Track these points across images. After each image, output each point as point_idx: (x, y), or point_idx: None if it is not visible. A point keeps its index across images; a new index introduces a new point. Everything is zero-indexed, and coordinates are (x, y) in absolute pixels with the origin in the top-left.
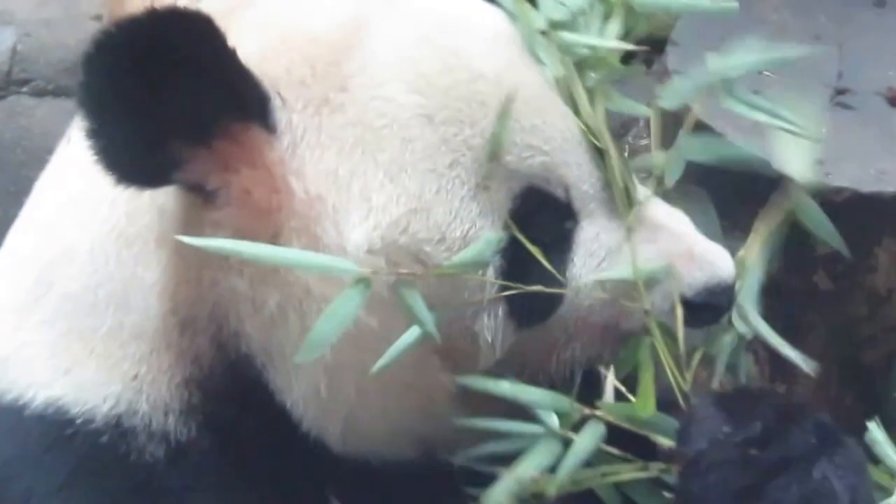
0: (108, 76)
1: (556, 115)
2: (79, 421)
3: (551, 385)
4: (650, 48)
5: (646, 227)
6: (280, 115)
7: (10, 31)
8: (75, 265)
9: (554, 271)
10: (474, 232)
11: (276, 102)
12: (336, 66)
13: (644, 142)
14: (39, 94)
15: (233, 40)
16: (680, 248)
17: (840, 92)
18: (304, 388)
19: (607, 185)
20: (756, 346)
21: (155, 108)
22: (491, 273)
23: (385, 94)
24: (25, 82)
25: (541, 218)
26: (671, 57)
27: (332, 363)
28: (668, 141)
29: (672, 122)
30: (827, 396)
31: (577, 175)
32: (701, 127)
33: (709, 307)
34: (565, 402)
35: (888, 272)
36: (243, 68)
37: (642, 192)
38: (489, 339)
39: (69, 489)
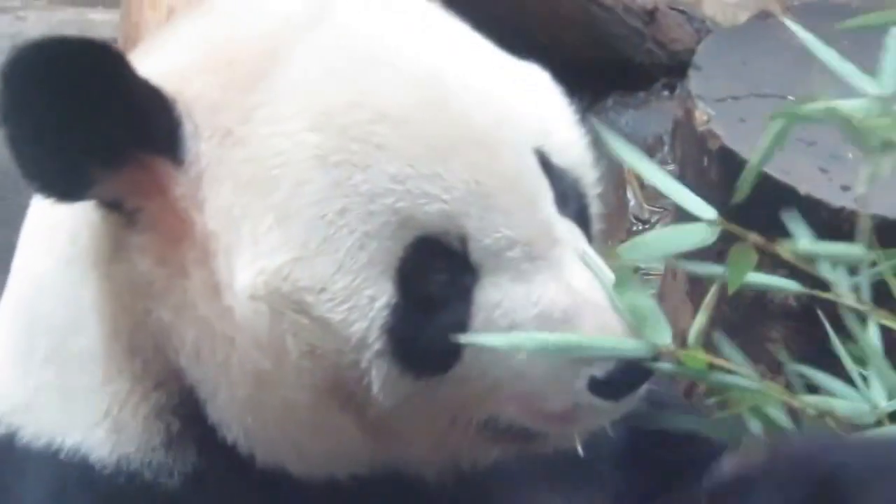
0: (24, 89)
1: (465, 164)
2: (97, 467)
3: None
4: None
5: (556, 295)
6: (190, 145)
7: None
8: (46, 296)
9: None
10: (359, 282)
11: (186, 130)
12: (244, 95)
13: (669, 167)
14: None
15: (160, 58)
16: (591, 322)
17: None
18: (237, 426)
19: (517, 242)
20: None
21: (66, 129)
22: (376, 328)
23: (283, 131)
24: None
25: (434, 270)
26: (694, 82)
27: (250, 400)
28: (689, 164)
29: (696, 148)
30: None
31: (479, 227)
32: (725, 150)
33: (619, 383)
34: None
35: None
36: (154, 98)
37: (567, 252)
38: (378, 389)
39: None
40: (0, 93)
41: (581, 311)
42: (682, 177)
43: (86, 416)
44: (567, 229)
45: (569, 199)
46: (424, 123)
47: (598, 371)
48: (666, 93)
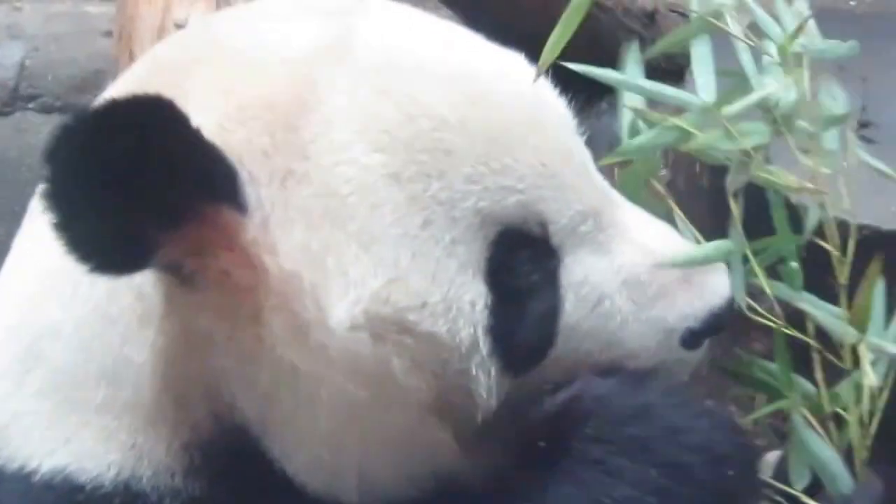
0: (72, 167)
1: (528, 150)
2: (88, 488)
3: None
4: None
5: (635, 258)
6: (249, 191)
7: (18, 46)
8: (62, 341)
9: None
10: (455, 290)
11: (243, 177)
12: (294, 133)
13: (661, 172)
14: (47, 110)
15: (192, 112)
16: (674, 275)
17: (863, 125)
18: (305, 458)
19: (586, 214)
20: None
21: (122, 198)
22: (480, 331)
23: (347, 158)
24: (33, 98)
25: (520, 261)
26: (690, 85)
27: (331, 434)
28: (681, 170)
29: (689, 154)
30: None
31: (555, 208)
32: None
33: (712, 329)
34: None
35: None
36: (208, 147)
37: (630, 211)
38: (484, 395)
39: None
40: (46, 174)
41: (662, 267)
42: (673, 181)
43: (93, 446)
44: (614, 191)
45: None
46: (481, 121)
47: (694, 323)
48: None
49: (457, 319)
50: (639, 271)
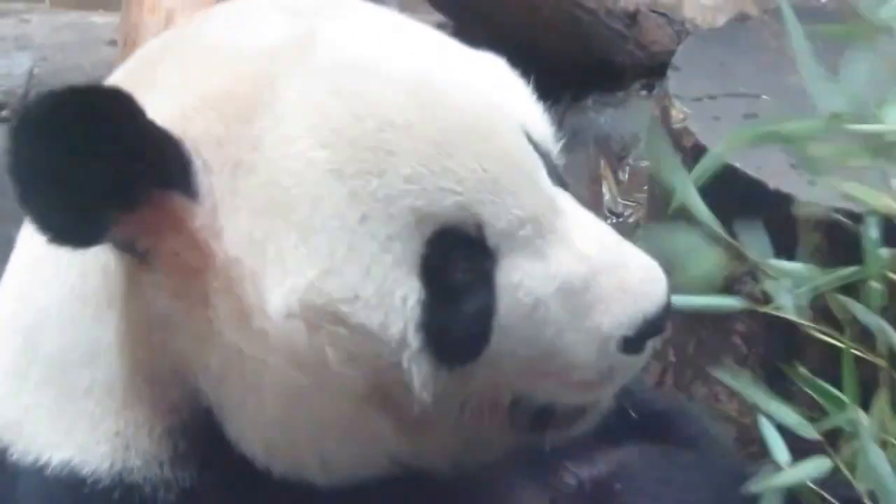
0: (34, 146)
1: (470, 155)
2: (90, 481)
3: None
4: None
5: (571, 266)
6: (201, 179)
7: (27, 56)
8: (50, 327)
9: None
10: (388, 285)
11: (197, 166)
12: (248, 125)
13: (644, 163)
14: None
15: (157, 97)
16: (610, 283)
17: (836, 116)
18: (260, 440)
19: (526, 221)
20: (751, 361)
21: (78, 177)
22: (412, 326)
23: (294, 152)
24: None
25: (455, 260)
26: (672, 82)
27: (279, 417)
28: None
29: (671, 145)
30: None
31: (492, 212)
32: (698, 147)
33: (646, 335)
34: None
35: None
36: (165, 138)
37: (572, 218)
38: (419, 386)
39: None
40: (11, 151)
41: (598, 275)
42: (656, 172)
43: (86, 436)
44: (563, 199)
45: (551, 170)
46: (426, 124)
47: (628, 330)
48: (644, 92)
49: (389, 313)
50: (574, 279)
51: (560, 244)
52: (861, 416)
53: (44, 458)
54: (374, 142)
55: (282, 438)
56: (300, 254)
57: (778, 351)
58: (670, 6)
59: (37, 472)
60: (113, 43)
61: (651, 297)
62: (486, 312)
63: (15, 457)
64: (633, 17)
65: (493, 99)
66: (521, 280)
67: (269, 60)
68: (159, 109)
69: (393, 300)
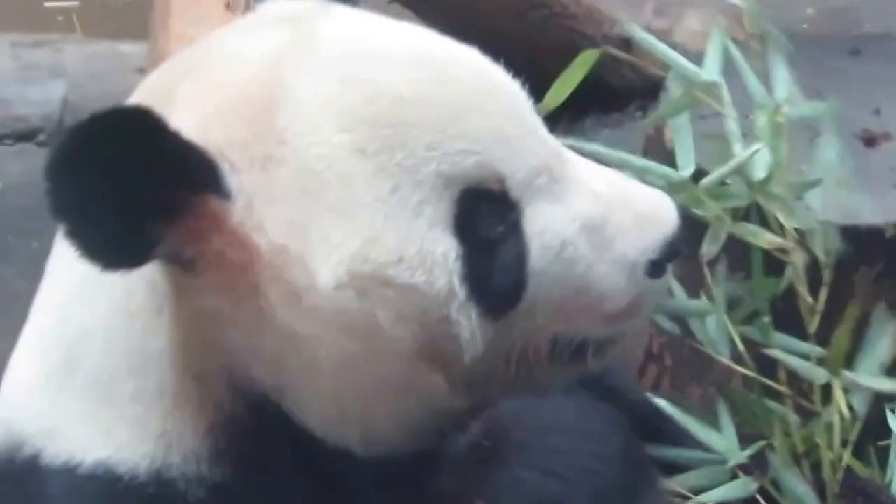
0: (71, 181)
1: (481, 116)
2: (126, 478)
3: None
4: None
5: (588, 205)
6: (231, 180)
7: (61, 84)
8: (94, 343)
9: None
10: (427, 245)
11: (224, 168)
12: (270, 122)
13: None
14: None
15: (177, 113)
16: (626, 215)
17: (819, 133)
18: (318, 414)
19: (540, 170)
20: (744, 364)
21: (119, 201)
22: (455, 280)
23: (318, 139)
24: None
25: (484, 215)
26: (665, 102)
27: (334, 390)
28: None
29: (665, 161)
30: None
31: (511, 166)
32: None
33: (670, 255)
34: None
35: (863, 298)
36: (190, 146)
37: (579, 164)
38: (468, 337)
39: None
40: (51, 190)
41: (614, 210)
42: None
43: (128, 438)
44: (565, 149)
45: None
46: (436, 94)
47: (653, 254)
48: (639, 114)
49: (432, 270)
50: (593, 216)
51: (574, 187)
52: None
53: (76, 459)
54: (390, 118)
55: (335, 411)
56: (341, 229)
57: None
58: (662, 32)
59: (68, 471)
60: (142, 71)
61: (666, 220)
62: (520, 259)
63: (46, 460)
64: (627, 43)
65: (489, 67)
66: (546, 225)
67: (275, 62)
68: (179, 123)
69: (435, 257)
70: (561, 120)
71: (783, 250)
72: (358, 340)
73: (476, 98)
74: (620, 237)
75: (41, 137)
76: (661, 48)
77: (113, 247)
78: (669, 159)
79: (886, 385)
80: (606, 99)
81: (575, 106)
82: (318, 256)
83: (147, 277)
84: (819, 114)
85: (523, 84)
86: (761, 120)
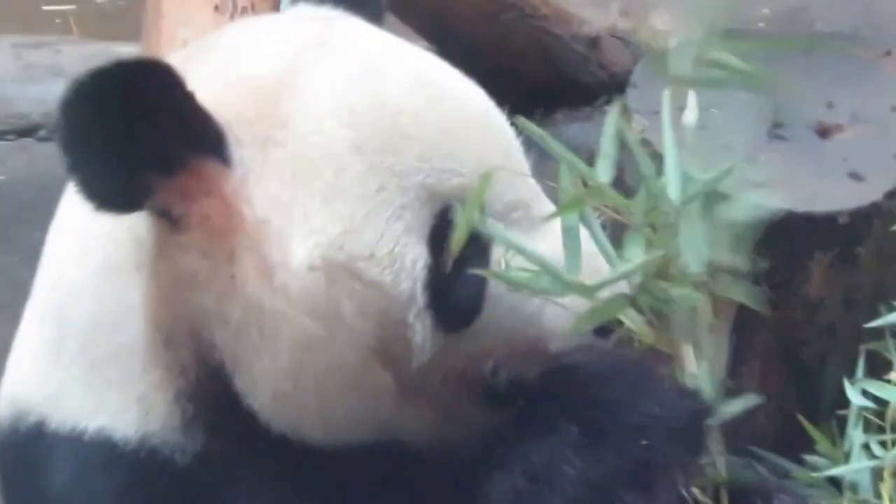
0: (83, 118)
1: (472, 144)
2: (121, 445)
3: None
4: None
5: (555, 247)
6: (233, 151)
7: (60, 82)
8: (81, 300)
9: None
10: (400, 248)
11: (230, 139)
12: (277, 107)
13: None
14: None
15: (192, 85)
16: (588, 264)
17: (776, 126)
18: (270, 393)
19: (518, 204)
20: None
21: (124, 146)
22: (419, 286)
23: (320, 130)
24: None
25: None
26: (631, 97)
27: (291, 369)
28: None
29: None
30: (770, 389)
31: (490, 196)
32: (656, 154)
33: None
34: None
35: (819, 282)
36: (202, 110)
37: (546, 201)
38: (419, 343)
39: (124, 495)
40: (61, 124)
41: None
42: (620, 177)
43: (117, 403)
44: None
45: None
46: (434, 114)
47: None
48: (606, 108)
49: (399, 273)
50: (557, 259)
51: (545, 228)
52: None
53: (80, 427)
54: (390, 124)
55: (290, 390)
56: (323, 215)
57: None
58: (628, 31)
59: (74, 439)
60: None
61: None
62: (482, 282)
63: (52, 427)
64: (595, 42)
65: (487, 102)
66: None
67: (293, 53)
68: (198, 91)
69: (404, 261)
70: (535, 114)
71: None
72: (319, 324)
73: (469, 127)
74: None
75: (41, 133)
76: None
77: (110, 187)
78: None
79: None
80: (577, 94)
81: (548, 101)
82: (296, 236)
83: (134, 233)
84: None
85: (494, 80)
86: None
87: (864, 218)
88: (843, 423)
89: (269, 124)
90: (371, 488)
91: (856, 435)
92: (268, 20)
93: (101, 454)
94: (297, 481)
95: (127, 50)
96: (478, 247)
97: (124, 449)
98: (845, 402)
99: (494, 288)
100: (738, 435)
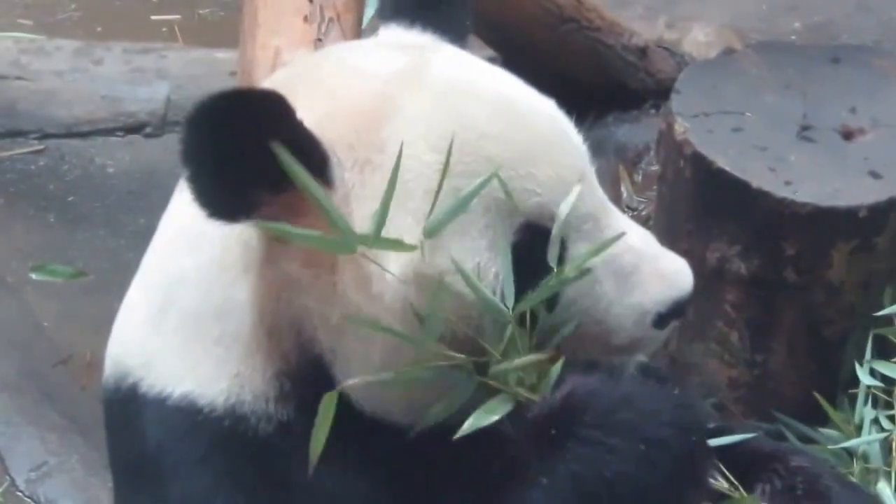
0: (204, 135)
1: (548, 164)
2: (206, 410)
3: None
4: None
5: (623, 253)
6: (336, 173)
7: (165, 84)
8: (188, 288)
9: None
10: (483, 263)
11: (333, 162)
12: (375, 133)
13: (654, 168)
14: None
15: (300, 110)
16: (651, 270)
17: (804, 128)
18: (364, 382)
19: (588, 217)
20: (738, 324)
21: (238, 163)
22: (498, 295)
23: (412, 154)
24: (177, 123)
25: (536, 246)
26: (675, 102)
27: (384, 364)
28: (670, 165)
29: (675, 152)
30: (796, 364)
31: (564, 210)
32: (697, 154)
33: (676, 313)
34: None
35: (840, 268)
36: (310, 136)
37: (620, 218)
38: (493, 345)
39: (207, 460)
40: (185, 140)
41: (642, 263)
42: (663, 175)
43: (209, 374)
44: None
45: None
46: (514, 138)
47: (663, 308)
48: (653, 111)
49: (483, 285)
50: (624, 264)
51: (613, 236)
52: None
53: (167, 391)
54: (474, 149)
55: (381, 383)
56: (415, 234)
57: (758, 316)
58: (673, 42)
59: (160, 402)
60: (233, 74)
61: (682, 285)
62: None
63: (144, 389)
64: (643, 51)
65: (562, 119)
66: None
67: (389, 83)
68: (304, 116)
69: (487, 274)
70: (587, 117)
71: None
72: (409, 328)
73: (546, 147)
74: (641, 287)
75: (147, 130)
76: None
77: (222, 199)
78: (678, 149)
79: None
80: (626, 98)
81: (599, 104)
82: (391, 252)
83: (243, 238)
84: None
85: (552, 85)
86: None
87: (882, 212)
88: (855, 399)
89: (368, 149)
90: (431, 465)
91: (866, 410)
92: (364, 47)
93: (183, 419)
94: (368, 457)
95: (225, 56)
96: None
97: (209, 415)
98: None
99: (569, 291)
100: (766, 403)
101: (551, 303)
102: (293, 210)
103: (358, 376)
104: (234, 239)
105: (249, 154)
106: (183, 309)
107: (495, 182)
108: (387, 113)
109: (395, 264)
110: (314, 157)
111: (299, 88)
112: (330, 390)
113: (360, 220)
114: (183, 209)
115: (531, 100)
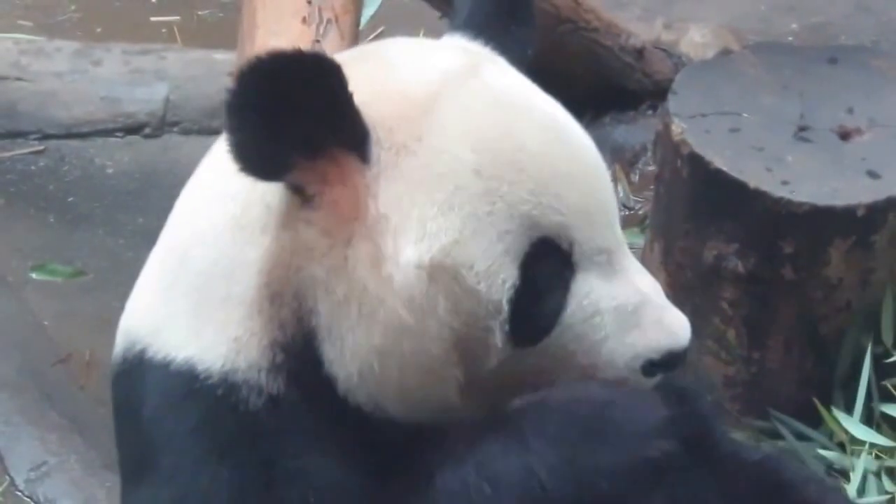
0: (252, 89)
1: (576, 191)
2: (202, 377)
3: None
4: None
5: (627, 293)
6: (373, 150)
7: (164, 85)
8: (204, 246)
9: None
10: (497, 266)
11: (372, 139)
12: (417, 122)
13: (651, 168)
14: (187, 133)
15: (352, 84)
16: (652, 316)
17: (802, 129)
18: (357, 366)
19: (603, 251)
20: (734, 321)
21: (281, 123)
22: (505, 301)
23: (450, 149)
24: (175, 124)
25: (547, 263)
26: (672, 103)
27: (382, 348)
28: (667, 165)
29: (672, 153)
30: (793, 360)
31: (582, 237)
32: (693, 155)
33: (664, 365)
34: None
35: (838, 265)
36: (356, 110)
37: (634, 262)
38: (495, 347)
39: (198, 430)
40: (233, 92)
41: (646, 307)
42: (660, 175)
43: (210, 338)
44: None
45: None
46: (552, 156)
47: (655, 355)
48: (650, 112)
49: (492, 286)
50: (628, 303)
51: (623, 275)
52: None
53: (171, 356)
54: (510, 157)
55: (377, 366)
56: (438, 223)
57: (755, 313)
58: (670, 43)
59: (164, 367)
60: (231, 75)
61: (679, 338)
62: (557, 308)
63: (150, 355)
64: (640, 52)
65: (597, 156)
66: (589, 292)
67: (440, 78)
68: (354, 91)
69: (498, 278)
70: (586, 116)
71: None
72: (413, 315)
73: (580, 176)
74: (640, 329)
75: (147, 131)
76: None
77: (258, 155)
78: (675, 149)
79: None
80: (623, 99)
81: (597, 105)
82: (410, 236)
83: (266, 199)
84: None
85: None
86: None
87: (880, 210)
88: (853, 399)
89: (408, 134)
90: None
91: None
92: (430, 43)
93: (181, 384)
94: (352, 441)
95: (224, 57)
96: (563, 278)
97: (204, 382)
98: (858, 371)
99: (568, 315)
100: (763, 400)
101: (548, 324)
102: (324, 178)
103: (347, 359)
104: (257, 199)
105: (295, 115)
106: (195, 269)
107: (524, 193)
108: (433, 105)
109: (411, 249)
110: (355, 130)
111: (360, 64)
112: (316, 369)
113: (387, 199)
114: (208, 172)
115: (576, 129)
